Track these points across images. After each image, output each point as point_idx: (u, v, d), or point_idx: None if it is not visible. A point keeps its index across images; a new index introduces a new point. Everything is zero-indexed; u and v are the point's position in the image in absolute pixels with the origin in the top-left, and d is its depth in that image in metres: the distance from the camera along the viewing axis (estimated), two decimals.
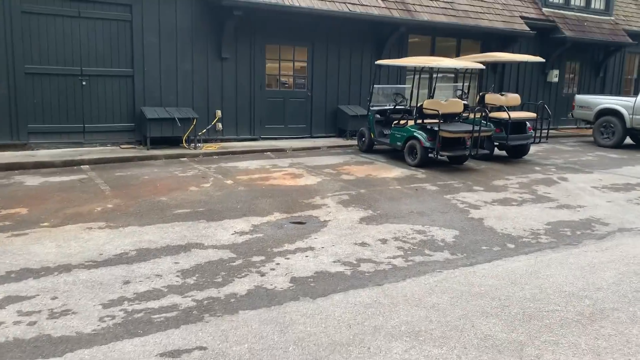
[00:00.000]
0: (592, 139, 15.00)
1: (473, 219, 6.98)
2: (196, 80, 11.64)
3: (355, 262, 5.36)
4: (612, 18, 18.10)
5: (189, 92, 11.60)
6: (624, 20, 18.63)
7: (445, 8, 14.28)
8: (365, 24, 13.38)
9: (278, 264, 5.26)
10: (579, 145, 14.42)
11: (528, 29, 15.40)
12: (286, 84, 13.11)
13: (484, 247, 5.91)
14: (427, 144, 10.10)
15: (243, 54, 12.10)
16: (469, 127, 10.14)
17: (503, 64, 16.03)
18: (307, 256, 5.48)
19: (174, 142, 11.21)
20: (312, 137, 13.38)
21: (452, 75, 15.47)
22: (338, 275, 5.01)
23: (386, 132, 11.63)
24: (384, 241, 6.01)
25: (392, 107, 11.78)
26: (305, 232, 6.27)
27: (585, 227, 6.78)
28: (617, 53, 18.42)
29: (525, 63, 16.48)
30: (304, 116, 13.25)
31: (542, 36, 16.19)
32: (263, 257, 5.42)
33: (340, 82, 13.57)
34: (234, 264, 5.24)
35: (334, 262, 5.34)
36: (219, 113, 11.95)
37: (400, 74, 14.44)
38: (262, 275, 4.98)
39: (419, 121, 10.44)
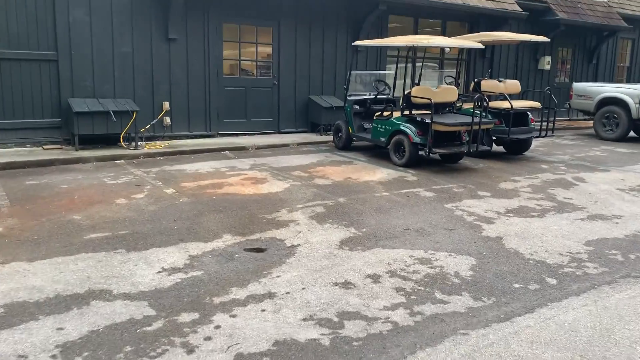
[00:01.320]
0: (591, 131, 13.52)
1: (489, 239, 5.26)
2: (138, 65, 9.67)
3: (336, 319, 3.56)
4: (606, 0, 16.69)
5: (129, 80, 9.63)
6: (616, 3, 17.24)
7: None
8: (340, 0, 11.59)
9: (218, 326, 3.43)
10: (579, 139, 12.90)
11: (520, 9, 13.82)
12: (248, 70, 11.23)
13: (517, 285, 4.18)
14: (417, 140, 8.37)
15: (195, 34, 10.17)
16: (467, 119, 8.43)
17: (492, 48, 14.44)
18: (263, 310, 3.67)
19: (111, 140, 9.24)
20: (280, 132, 11.54)
21: (436, 62, 13.80)
22: (311, 347, 3.21)
23: (367, 125, 9.87)
24: (375, 278, 4.24)
25: (373, 96, 10.02)
26: (265, 266, 4.45)
27: (638, 248, 5.12)
28: (610, 39, 17.03)
29: (517, 48, 14.97)
30: (269, 108, 11.39)
31: (533, 19, 14.62)
32: (197, 315, 3.58)
33: (312, 68, 11.76)
34: (150, 328, 3.39)
35: (305, 320, 3.54)
36: (166, 105, 10.00)
37: (380, 59, 12.68)
38: (191, 351, 3.14)
39: (406, 112, 8.70)
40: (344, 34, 12.08)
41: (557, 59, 16.37)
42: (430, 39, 8.62)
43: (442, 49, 13.64)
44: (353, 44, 10.05)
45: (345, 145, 10.11)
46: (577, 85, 13.57)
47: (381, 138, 9.07)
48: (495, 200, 6.79)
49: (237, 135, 10.93)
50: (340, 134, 10.19)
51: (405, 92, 8.73)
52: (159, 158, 8.90)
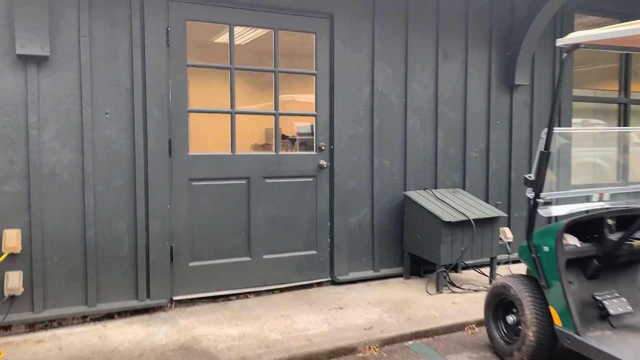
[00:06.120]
0: None
1: None
2: None
3: None
4: None
5: None
6: None
7: None
8: None
9: None
10: None
11: None
12: (254, 138, 4.73)
13: None
14: None
15: (106, 44, 3.85)
16: None
17: None
18: None
19: None
20: (334, 283, 4.79)
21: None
22: None
23: (615, 310, 2.94)
24: None
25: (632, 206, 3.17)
26: None
27: None
28: None
29: None
30: (307, 226, 4.71)
31: None
32: None
33: (410, 128, 5.08)
34: None
35: None
36: (12, 238, 3.55)
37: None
38: None
39: None
40: (484, 52, 5.42)
41: None
42: None
43: None
44: (557, 43, 3.27)
45: (536, 355, 3.17)
46: None
47: None
48: None
49: (224, 299, 4.30)
50: (515, 317, 3.31)
51: None
52: None
